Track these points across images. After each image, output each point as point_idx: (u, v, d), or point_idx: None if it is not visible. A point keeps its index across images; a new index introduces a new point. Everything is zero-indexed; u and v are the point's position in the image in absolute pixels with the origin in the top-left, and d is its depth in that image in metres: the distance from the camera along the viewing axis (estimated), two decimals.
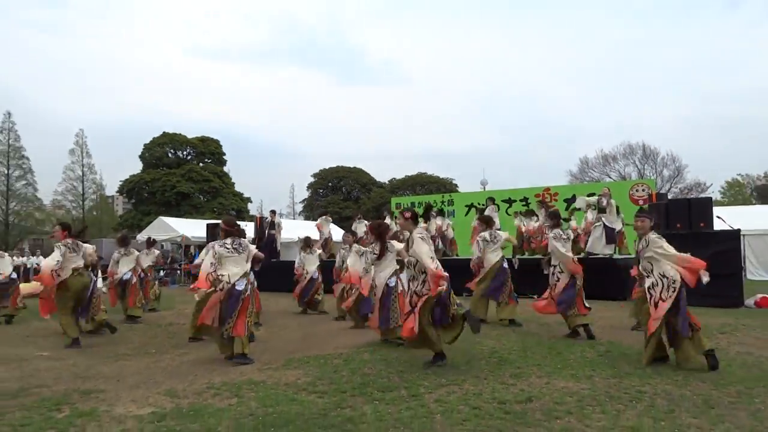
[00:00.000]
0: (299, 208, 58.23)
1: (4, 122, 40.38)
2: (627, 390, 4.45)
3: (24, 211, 42.05)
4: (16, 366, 5.96)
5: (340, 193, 56.72)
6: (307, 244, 10.67)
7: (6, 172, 40.19)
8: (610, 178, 41.51)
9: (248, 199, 50.04)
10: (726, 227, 11.10)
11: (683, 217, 10.68)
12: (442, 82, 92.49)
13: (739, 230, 10.75)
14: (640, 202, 15.60)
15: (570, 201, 16.58)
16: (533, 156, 76.35)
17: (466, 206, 18.90)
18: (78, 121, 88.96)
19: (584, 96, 75.85)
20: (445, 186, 50.67)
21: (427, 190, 47.55)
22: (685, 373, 4.99)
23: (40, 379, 5.29)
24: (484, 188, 26.99)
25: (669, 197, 21.83)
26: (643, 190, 16.04)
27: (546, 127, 78.77)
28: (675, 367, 5.21)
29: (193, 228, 22.79)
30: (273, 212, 18.25)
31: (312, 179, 57.66)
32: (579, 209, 13.46)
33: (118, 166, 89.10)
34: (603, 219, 11.97)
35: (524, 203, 17.71)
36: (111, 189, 49.09)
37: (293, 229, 22.64)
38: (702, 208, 10.83)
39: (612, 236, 11.87)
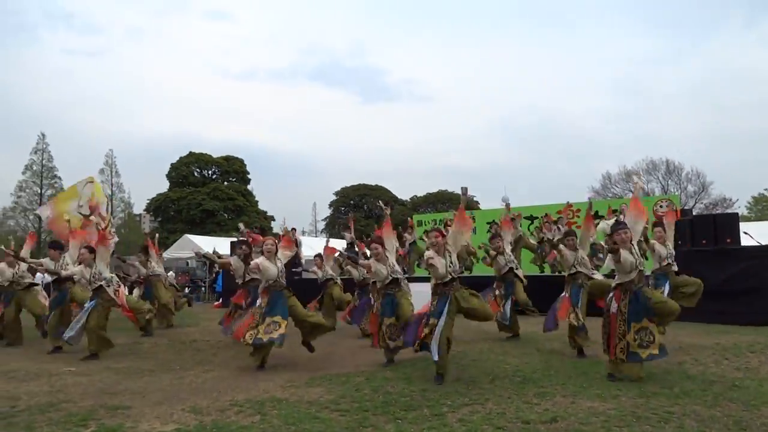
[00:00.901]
0: (321, 225, 58.56)
1: (38, 143, 41.59)
2: (655, 410, 4.36)
3: None
4: (45, 381, 6.07)
5: (361, 210, 56.91)
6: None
7: (39, 191, 41.27)
8: (633, 193, 40.94)
9: (271, 218, 50.53)
10: (753, 243, 10.87)
11: (709, 233, 10.49)
12: (462, 99, 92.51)
13: (767, 246, 10.51)
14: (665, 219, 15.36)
15: (593, 217, 16.38)
16: (554, 172, 75.58)
17: (488, 223, 18.80)
18: (108, 142, 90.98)
19: (605, 111, 74.98)
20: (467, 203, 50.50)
21: (449, 207, 47.44)
22: (714, 393, 4.87)
23: (67, 394, 5.38)
24: (505, 205, 26.85)
25: (694, 213, 21.44)
26: (667, 206, 15.78)
27: (566, 143, 78.01)
28: (704, 387, 5.09)
29: (218, 246, 22.99)
30: (293, 230, 18.51)
31: (334, 197, 58.04)
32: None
33: (145, 184, 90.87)
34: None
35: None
36: (138, 207, 49.98)
37: (318, 248, 22.72)
38: (728, 223, 10.65)
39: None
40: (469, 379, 5.72)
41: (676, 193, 38.22)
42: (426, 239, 6.71)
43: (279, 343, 6.29)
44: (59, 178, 42.45)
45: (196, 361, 7.32)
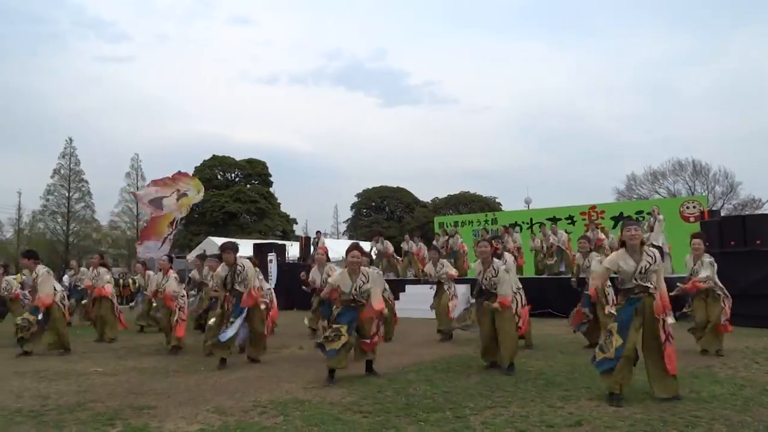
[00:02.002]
0: (343, 227, 58.74)
1: (66, 148, 42.46)
2: (682, 415, 4.28)
3: (82, 232, 43.83)
4: (73, 380, 6.20)
5: (383, 212, 56.96)
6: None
7: (67, 194, 42.11)
8: (659, 195, 40.28)
9: (294, 220, 50.86)
10: None
11: (738, 234, 10.29)
12: (483, 100, 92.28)
13: None
14: (691, 219, 15.09)
15: (617, 219, 16.18)
16: (578, 173, 74.84)
17: (510, 225, 18.69)
18: (134, 146, 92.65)
19: (630, 111, 74.09)
20: (489, 205, 50.23)
21: (471, 209, 47.21)
22: (744, 398, 4.76)
23: (95, 394, 5.48)
24: (528, 207, 26.63)
25: (722, 214, 21.02)
26: (695, 207, 15.52)
27: (590, 144, 77.32)
28: (734, 392, 4.98)
29: (241, 248, 23.25)
30: (318, 233, 18.78)
31: (356, 199, 58.18)
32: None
33: None
34: (650, 238, 11.63)
35: (570, 221, 17.39)
36: None
37: (340, 250, 22.86)
38: (758, 224, 10.43)
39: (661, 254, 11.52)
40: (492, 381, 5.68)
41: (704, 194, 37.54)
42: (476, 249, 6.73)
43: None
44: (86, 181, 43.33)
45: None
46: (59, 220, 41.99)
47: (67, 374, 6.60)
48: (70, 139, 42.62)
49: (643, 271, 4.78)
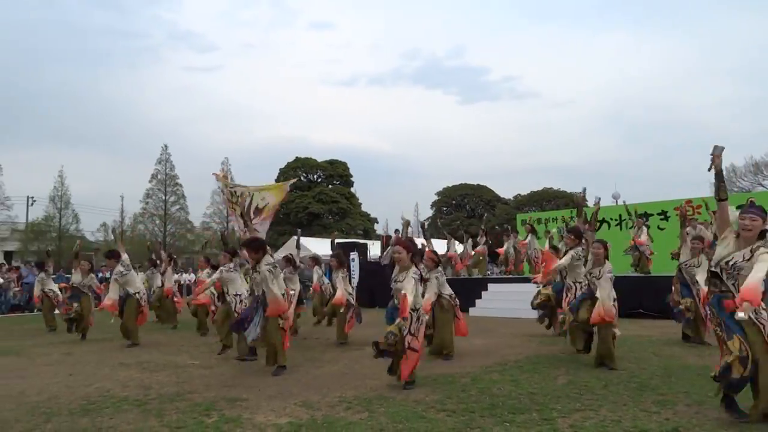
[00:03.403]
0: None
1: (162, 154, 45.13)
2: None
3: (178, 233, 46.44)
4: (172, 372, 6.60)
5: (463, 210, 56.42)
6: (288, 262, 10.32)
7: (164, 198, 44.78)
8: (763, 186, 37.32)
9: (374, 219, 51.43)
10: None
11: None
12: (565, 93, 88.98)
13: None
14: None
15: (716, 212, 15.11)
16: (670, 166, 70.62)
17: (598, 221, 17.96)
18: (223, 150, 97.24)
19: (728, 100, 69.06)
20: (573, 201, 48.48)
21: (554, 206, 45.78)
22: None
23: (192, 385, 5.81)
24: (617, 202, 25.45)
25: None
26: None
27: (682, 135, 72.57)
28: None
29: (324, 247, 23.87)
30: (397, 231, 18.89)
31: (436, 197, 57.99)
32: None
33: None
34: None
35: (662, 217, 16.48)
36: None
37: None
38: None
39: None
40: (581, 383, 5.49)
41: None
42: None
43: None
44: (180, 185, 45.74)
45: (306, 358, 7.61)
46: (157, 222, 44.67)
47: (167, 366, 7.04)
48: (166, 146, 45.21)
49: (731, 263, 4.04)
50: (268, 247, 6.67)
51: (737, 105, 67.97)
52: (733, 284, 3.99)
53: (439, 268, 7.31)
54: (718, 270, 4.10)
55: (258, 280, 6.44)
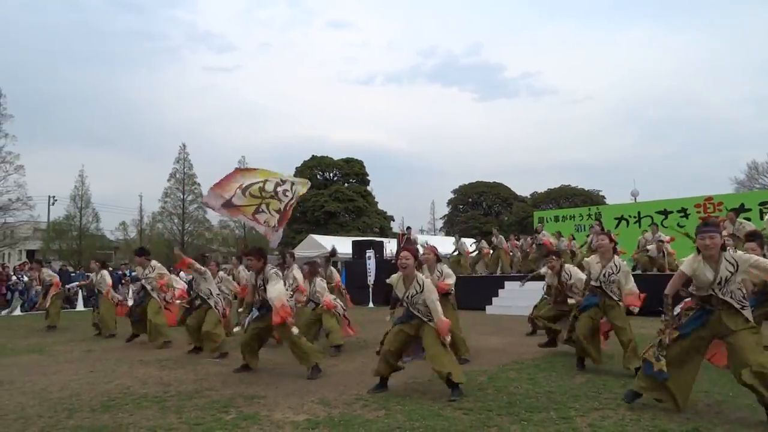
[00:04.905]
0: (440, 224, 58.58)
1: (180, 153, 45.52)
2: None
3: (196, 231, 46.83)
4: (191, 369, 6.67)
5: (480, 208, 56.22)
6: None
7: (182, 197, 45.17)
8: None
9: (391, 217, 51.45)
10: None
11: None
12: (584, 90, 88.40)
13: None
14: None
15: (738, 211, 14.89)
16: (689, 163, 69.89)
17: (616, 219, 17.81)
18: (240, 149, 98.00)
19: (750, 96, 68.08)
20: (592, 198, 48.07)
21: (572, 203, 45.46)
22: None
23: (210, 382, 5.86)
24: (635, 199, 25.16)
25: None
26: None
27: (703, 132, 71.81)
28: None
29: (340, 245, 23.93)
30: (409, 228, 18.89)
31: (452, 195, 57.83)
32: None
33: None
34: None
35: (682, 214, 16.28)
36: None
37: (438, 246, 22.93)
38: None
39: None
40: (600, 382, 5.44)
41: None
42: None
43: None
44: (198, 184, 46.10)
45: (324, 356, 7.63)
46: (175, 220, 45.03)
47: (185, 363, 7.11)
48: (184, 145, 45.60)
49: (722, 282, 4.08)
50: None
51: (758, 101, 66.88)
52: (731, 297, 4.05)
53: (443, 263, 7.22)
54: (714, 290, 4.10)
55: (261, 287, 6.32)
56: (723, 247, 4.15)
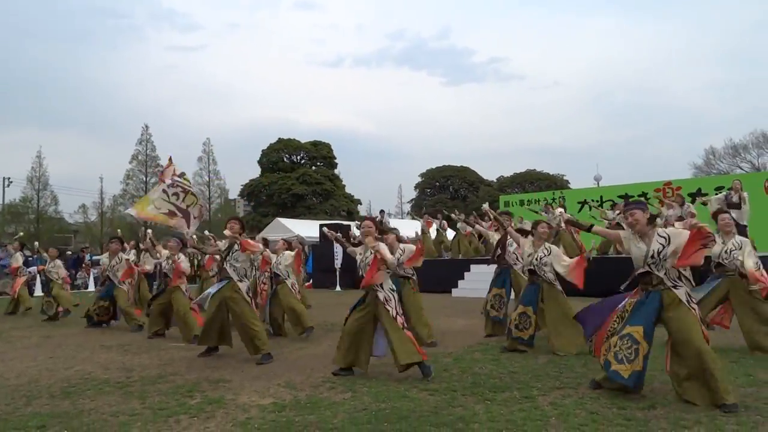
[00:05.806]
0: (407, 207, 58.77)
1: (143, 134, 44.42)
2: (766, 401, 4.06)
3: None
4: (155, 354, 6.58)
5: (447, 192, 56.56)
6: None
7: (144, 179, 44.16)
8: (741, 169, 37.89)
9: (358, 201, 51.35)
10: None
11: None
12: (550, 76, 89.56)
13: None
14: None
15: (695, 195, 15.36)
16: (651, 149, 71.62)
17: (579, 203, 18.13)
18: (205, 131, 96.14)
19: (709, 83, 69.87)
20: (556, 183, 48.89)
21: (537, 188, 46.07)
22: None
23: (175, 367, 5.79)
24: (598, 184, 25.71)
25: None
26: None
27: (666, 118, 73.59)
28: None
29: (307, 228, 23.81)
30: (382, 212, 18.87)
31: (419, 179, 58.01)
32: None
33: (239, 171, 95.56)
34: (734, 216, 10.87)
35: (643, 199, 16.67)
36: (233, 193, 52.40)
37: (404, 229, 23.05)
38: None
39: (744, 233, 10.79)
40: (561, 362, 5.58)
41: None
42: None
43: None
44: (161, 166, 45.11)
45: (290, 339, 7.62)
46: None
47: (149, 348, 7.01)
48: (146, 126, 44.51)
49: (655, 255, 4.17)
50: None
51: (720, 89, 68.85)
52: (665, 274, 4.17)
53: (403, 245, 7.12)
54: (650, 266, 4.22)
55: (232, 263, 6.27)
56: (652, 221, 4.31)
